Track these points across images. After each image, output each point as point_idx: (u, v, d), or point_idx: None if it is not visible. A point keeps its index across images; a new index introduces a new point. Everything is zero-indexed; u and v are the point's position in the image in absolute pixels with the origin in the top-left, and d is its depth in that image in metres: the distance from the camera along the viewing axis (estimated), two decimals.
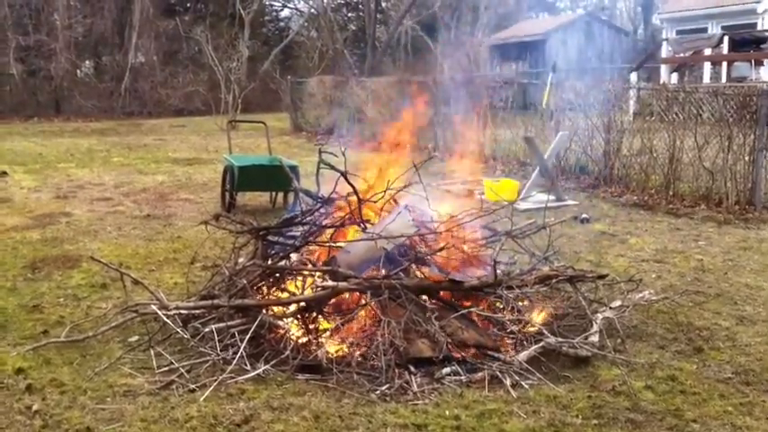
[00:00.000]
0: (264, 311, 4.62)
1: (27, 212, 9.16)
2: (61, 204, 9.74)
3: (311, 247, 5.28)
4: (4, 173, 12.44)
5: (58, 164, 14.13)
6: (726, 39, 20.99)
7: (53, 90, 28.92)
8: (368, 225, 5.13)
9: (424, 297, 4.78)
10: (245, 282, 4.88)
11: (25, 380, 4.14)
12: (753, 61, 20.73)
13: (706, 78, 21.53)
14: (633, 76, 21.35)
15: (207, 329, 4.51)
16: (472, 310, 4.79)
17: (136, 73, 29.92)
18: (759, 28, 22.80)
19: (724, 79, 20.41)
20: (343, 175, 5.25)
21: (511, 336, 4.74)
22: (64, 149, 16.83)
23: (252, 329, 4.39)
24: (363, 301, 4.67)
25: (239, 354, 4.23)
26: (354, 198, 5.10)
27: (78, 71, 31.87)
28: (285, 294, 4.84)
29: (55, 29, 29.19)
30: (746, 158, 9.38)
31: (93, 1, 31.18)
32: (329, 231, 5.23)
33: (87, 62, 33.43)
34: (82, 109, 28.32)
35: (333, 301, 4.75)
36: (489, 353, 4.46)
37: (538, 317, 5.00)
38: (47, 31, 28.96)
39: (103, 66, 32.43)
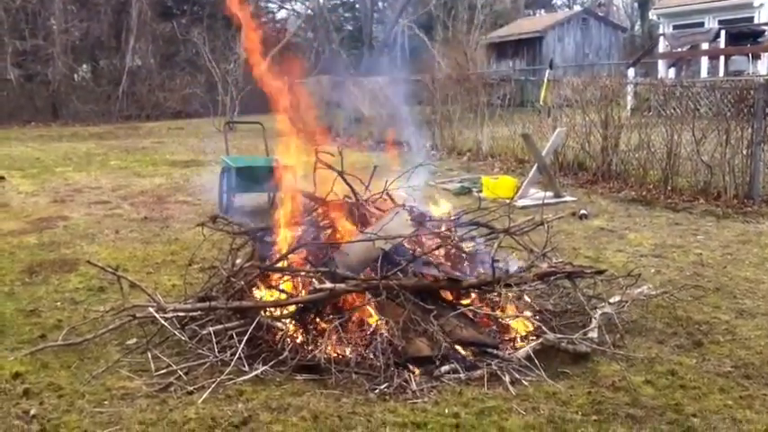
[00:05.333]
0: (262, 312, 4.61)
1: (24, 217, 9.14)
2: (59, 208, 9.73)
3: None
4: (2, 178, 12.41)
5: (56, 168, 14.11)
6: (723, 33, 20.95)
7: (50, 94, 28.87)
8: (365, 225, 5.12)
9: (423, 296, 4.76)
10: (242, 283, 4.87)
11: (22, 384, 4.12)
12: (750, 55, 20.69)
13: (703, 73, 21.49)
14: (630, 72, 21.35)
15: (205, 331, 4.50)
16: (471, 308, 4.78)
17: (133, 76, 29.86)
18: (756, 21, 22.76)
19: (721, 73, 20.37)
20: (341, 174, 5.25)
21: (509, 333, 4.73)
22: (62, 154, 16.81)
23: (250, 331, 4.38)
24: (361, 302, 4.66)
25: (237, 355, 4.22)
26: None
27: (75, 75, 31.80)
28: (283, 295, 4.82)
29: (52, 33, 29.14)
30: (744, 152, 9.38)
31: (90, 5, 31.13)
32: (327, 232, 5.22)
33: (84, 66, 33.34)
34: (80, 113, 28.28)
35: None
36: (488, 350, 4.45)
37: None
38: (43, 35, 28.91)
39: (101, 70, 32.37)
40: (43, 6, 29.19)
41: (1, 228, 8.44)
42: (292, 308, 4.68)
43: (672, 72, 22.46)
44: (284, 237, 5.13)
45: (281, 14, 41.62)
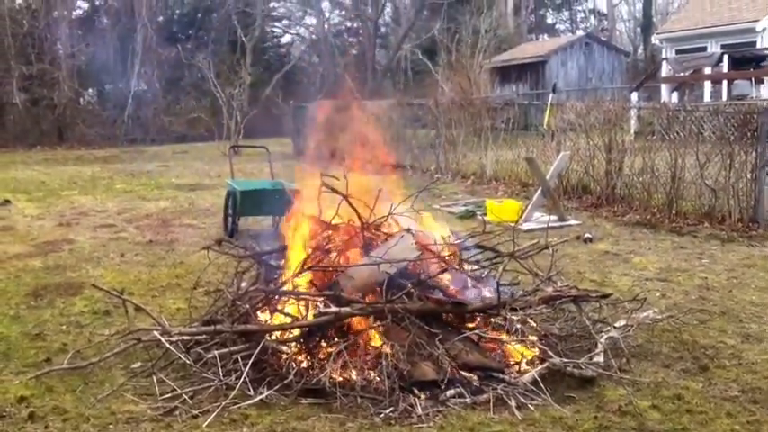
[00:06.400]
0: (267, 336, 4.60)
1: (30, 240, 9.17)
2: (64, 232, 9.75)
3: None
4: (8, 201, 12.46)
5: (62, 191, 14.16)
6: (725, 57, 21.05)
7: (56, 118, 29.03)
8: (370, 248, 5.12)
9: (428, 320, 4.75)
10: (247, 306, 4.87)
11: (27, 408, 4.12)
12: (753, 79, 20.77)
13: (706, 97, 21.56)
14: (634, 96, 21.42)
15: (209, 355, 4.48)
16: (476, 332, 4.77)
17: (138, 100, 30.07)
18: (758, 46, 22.86)
19: (724, 97, 20.44)
20: (345, 198, 5.25)
21: (515, 357, 4.72)
22: (67, 177, 16.88)
23: (255, 354, 4.37)
24: (367, 326, 4.65)
25: (242, 379, 4.21)
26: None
27: (81, 99, 32.01)
28: (288, 319, 4.82)
29: (58, 58, 29.40)
30: (748, 176, 9.37)
31: (96, 30, 31.45)
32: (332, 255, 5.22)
33: (90, 90, 33.58)
34: (85, 137, 28.45)
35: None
36: (494, 374, 4.43)
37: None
38: (50, 59, 29.14)
39: (106, 94, 32.60)
40: (50, 31, 29.46)
41: (6, 251, 8.47)
42: (297, 331, 4.67)
43: (675, 96, 22.54)
44: (292, 261, 5.14)
45: (286, 39, 41.97)
